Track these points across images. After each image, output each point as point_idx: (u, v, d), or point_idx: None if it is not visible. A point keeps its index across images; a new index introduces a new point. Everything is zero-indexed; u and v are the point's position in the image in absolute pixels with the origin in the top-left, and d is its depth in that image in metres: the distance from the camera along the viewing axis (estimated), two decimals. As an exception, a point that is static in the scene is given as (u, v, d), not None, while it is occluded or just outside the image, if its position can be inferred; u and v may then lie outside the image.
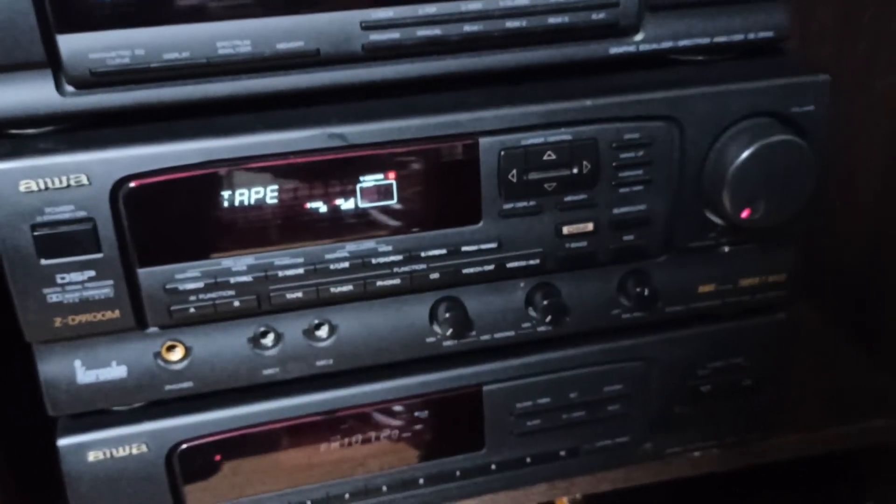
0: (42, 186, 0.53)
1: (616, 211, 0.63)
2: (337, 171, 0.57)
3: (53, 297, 0.56)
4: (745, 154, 0.60)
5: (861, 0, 0.87)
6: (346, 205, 0.58)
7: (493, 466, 0.71)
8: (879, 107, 0.87)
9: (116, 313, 0.57)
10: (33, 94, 0.53)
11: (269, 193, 0.57)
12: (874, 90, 0.87)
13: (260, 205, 0.57)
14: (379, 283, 0.61)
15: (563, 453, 0.72)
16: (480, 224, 0.61)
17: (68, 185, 0.53)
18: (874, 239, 0.91)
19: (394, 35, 0.56)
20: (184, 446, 0.63)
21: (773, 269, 0.69)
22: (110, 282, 0.56)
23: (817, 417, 0.82)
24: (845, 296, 0.94)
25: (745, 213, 0.62)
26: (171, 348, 0.60)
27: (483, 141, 0.59)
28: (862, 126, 0.88)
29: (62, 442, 0.61)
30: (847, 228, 0.92)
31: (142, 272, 0.57)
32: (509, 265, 0.62)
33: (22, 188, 0.53)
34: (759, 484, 0.95)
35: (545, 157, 0.60)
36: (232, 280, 0.58)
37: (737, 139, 0.61)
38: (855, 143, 0.89)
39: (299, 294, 0.59)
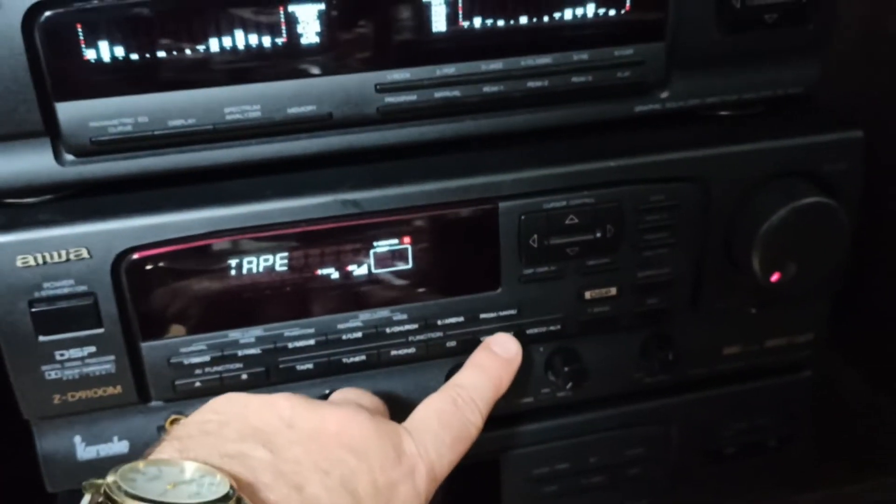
0: (40, 261, 0.50)
1: (640, 274, 0.60)
2: (350, 237, 0.55)
3: (52, 374, 0.53)
4: (776, 217, 0.58)
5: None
6: (359, 272, 0.56)
7: (510, 534, 0.68)
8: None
9: (118, 389, 0.54)
10: (31, 163, 0.51)
11: (278, 262, 0.54)
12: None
13: (269, 275, 0.54)
14: (393, 352, 0.58)
15: (581, 519, 0.69)
16: (499, 290, 0.58)
17: (68, 259, 0.51)
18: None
19: (410, 97, 0.54)
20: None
21: (801, 329, 0.67)
22: (111, 357, 0.53)
23: (845, 472, 0.79)
24: (876, 346, 0.91)
25: (774, 277, 0.59)
26: (174, 422, 0.58)
27: (503, 205, 0.56)
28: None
29: (60, 519, 0.58)
30: (878, 277, 0.90)
31: (145, 346, 0.54)
32: (529, 331, 0.60)
33: (19, 263, 0.50)
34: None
35: (567, 221, 0.57)
36: (240, 353, 0.55)
37: (766, 200, 0.59)
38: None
39: (310, 365, 0.57)
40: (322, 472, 0.44)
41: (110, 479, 0.39)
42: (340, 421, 0.47)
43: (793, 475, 0.74)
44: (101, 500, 0.39)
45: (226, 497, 0.38)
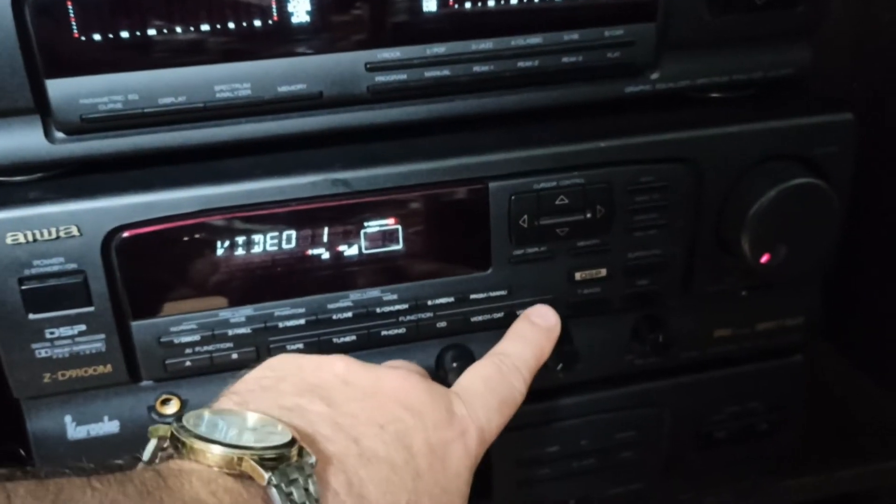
0: (30, 238, 0.50)
1: (630, 256, 0.60)
2: (340, 217, 0.55)
3: (42, 352, 0.53)
4: (766, 198, 0.58)
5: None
6: (349, 252, 0.56)
7: (501, 517, 0.68)
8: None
9: (108, 368, 0.55)
10: (21, 140, 0.51)
11: (268, 242, 0.54)
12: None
13: (259, 254, 0.54)
14: (383, 332, 0.58)
15: (572, 502, 0.70)
16: (490, 271, 0.58)
17: (58, 237, 0.51)
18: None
19: (400, 76, 0.54)
20: (179, 502, 0.60)
21: (791, 313, 0.67)
22: (102, 336, 0.53)
23: (834, 458, 0.79)
24: (863, 333, 0.91)
25: (764, 259, 0.59)
26: (165, 402, 0.58)
27: (493, 185, 0.56)
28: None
29: (51, 499, 0.58)
30: (866, 264, 0.90)
31: (135, 325, 0.54)
32: (519, 312, 0.60)
33: (9, 240, 0.50)
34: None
35: (557, 202, 0.57)
36: (230, 332, 0.55)
37: (757, 182, 0.59)
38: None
39: (300, 345, 0.57)
40: (378, 427, 0.45)
41: (177, 424, 0.39)
42: (395, 380, 0.47)
43: (783, 460, 0.75)
44: (166, 444, 0.39)
45: (290, 443, 0.39)
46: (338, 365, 0.47)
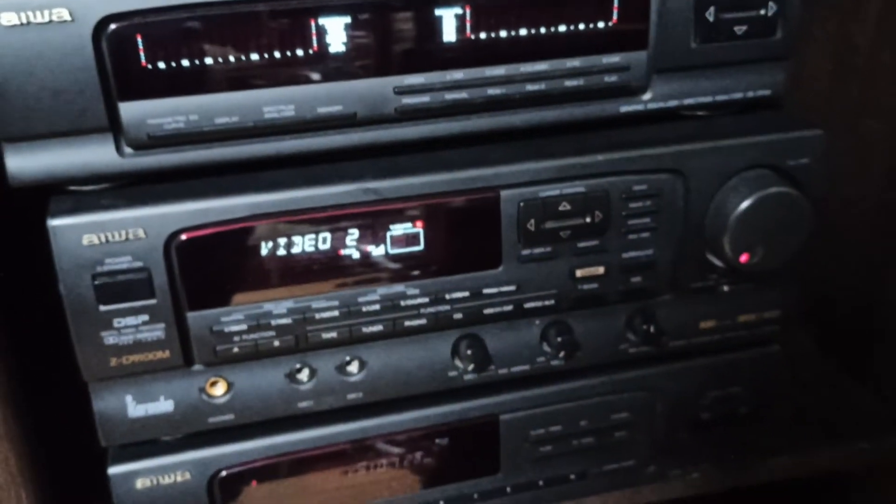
0: (103, 240, 0.58)
1: (625, 255, 0.67)
2: (370, 221, 0.62)
3: (110, 339, 0.60)
4: (745, 204, 0.65)
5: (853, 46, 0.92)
6: (377, 252, 0.63)
7: (508, 489, 0.76)
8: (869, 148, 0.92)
9: (166, 353, 0.62)
10: (95, 155, 0.58)
11: (307, 243, 0.62)
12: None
13: (299, 253, 0.62)
14: (407, 323, 0.66)
15: (572, 476, 0.77)
16: (500, 269, 0.66)
17: (126, 239, 0.58)
18: (865, 270, 0.96)
19: (424, 99, 0.61)
20: (223, 473, 0.68)
21: (768, 307, 0.74)
22: (162, 325, 0.61)
23: (810, 440, 0.86)
24: (837, 322, 0.99)
25: (743, 258, 0.67)
26: (214, 384, 0.65)
27: (504, 193, 0.64)
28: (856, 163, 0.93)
29: (113, 470, 0.66)
30: (840, 260, 0.97)
31: (191, 316, 0.61)
32: (527, 306, 0.67)
33: (84, 242, 0.57)
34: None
35: (561, 208, 0.65)
36: (273, 322, 0.63)
37: (737, 190, 0.66)
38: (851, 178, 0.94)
39: (334, 334, 0.64)
40: None
41: None
42: None
43: (763, 441, 0.82)
44: None
45: None
46: None
